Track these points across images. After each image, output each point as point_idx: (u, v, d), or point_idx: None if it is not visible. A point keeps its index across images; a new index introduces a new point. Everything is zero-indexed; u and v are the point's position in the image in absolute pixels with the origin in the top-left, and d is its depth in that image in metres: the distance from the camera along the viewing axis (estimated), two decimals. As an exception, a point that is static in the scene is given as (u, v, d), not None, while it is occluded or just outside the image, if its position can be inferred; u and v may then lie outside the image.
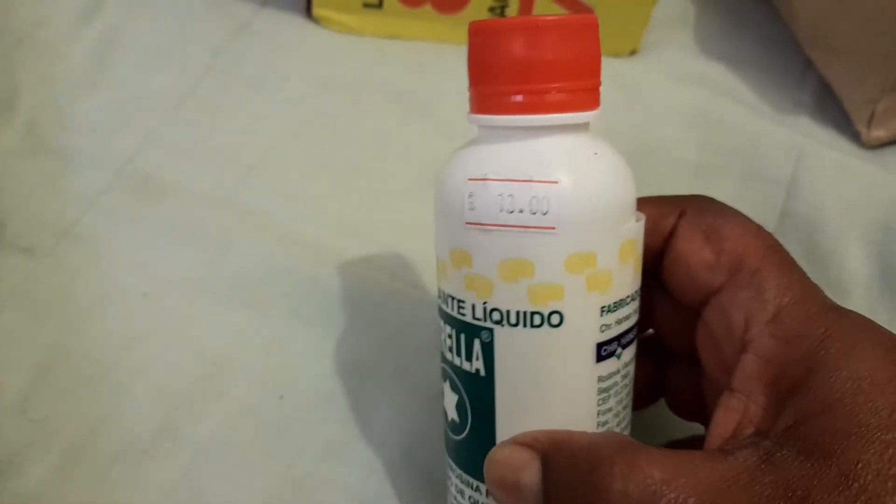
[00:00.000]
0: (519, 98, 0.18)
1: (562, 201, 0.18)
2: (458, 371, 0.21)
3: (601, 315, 0.19)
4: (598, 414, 0.20)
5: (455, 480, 0.22)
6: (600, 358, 0.19)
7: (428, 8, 0.36)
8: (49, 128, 0.33)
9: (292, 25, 0.37)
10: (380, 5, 0.36)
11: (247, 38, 0.36)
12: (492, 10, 0.36)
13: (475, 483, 0.21)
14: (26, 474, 0.25)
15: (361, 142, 0.34)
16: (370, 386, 0.28)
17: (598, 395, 0.20)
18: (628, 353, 0.21)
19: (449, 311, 0.21)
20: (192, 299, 0.29)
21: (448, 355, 0.21)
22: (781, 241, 0.28)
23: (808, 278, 0.19)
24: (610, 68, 0.38)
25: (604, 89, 0.40)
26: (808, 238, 0.32)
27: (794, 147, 0.34)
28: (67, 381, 0.27)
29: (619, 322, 0.20)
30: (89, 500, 0.25)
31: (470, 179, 0.19)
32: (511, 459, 0.19)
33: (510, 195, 0.18)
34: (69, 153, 0.33)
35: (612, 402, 0.20)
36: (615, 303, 0.19)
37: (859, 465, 0.16)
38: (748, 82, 0.37)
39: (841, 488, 0.16)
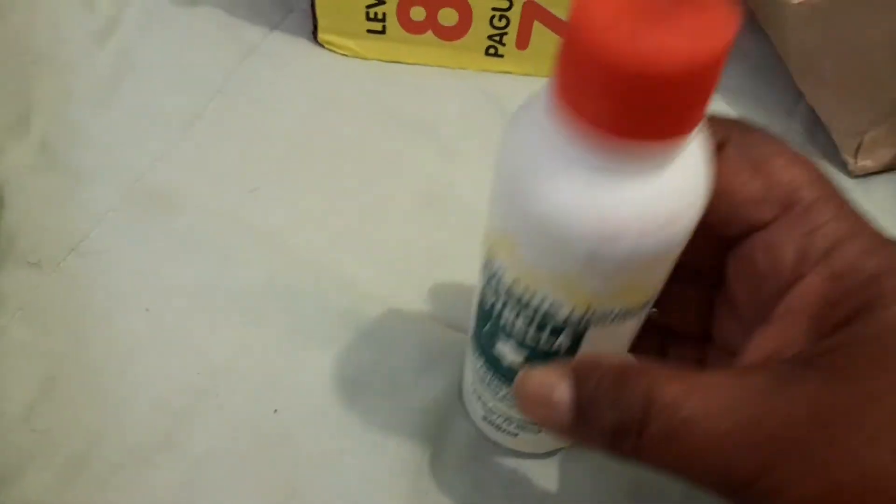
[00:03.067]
0: None
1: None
2: (534, 342, 0.21)
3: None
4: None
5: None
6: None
7: (430, 35, 0.37)
8: (62, 144, 0.35)
9: (299, 49, 0.38)
10: (383, 31, 0.37)
11: (255, 61, 0.38)
12: (490, 38, 0.37)
13: None
14: (29, 482, 0.26)
15: (363, 162, 0.35)
16: (363, 399, 0.29)
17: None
18: None
19: (532, 308, 0.20)
20: (195, 313, 0.30)
21: (517, 325, 0.21)
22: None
23: (859, 212, 0.19)
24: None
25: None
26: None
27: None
28: (72, 393, 0.28)
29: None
30: (90, 507, 0.26)
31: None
32: (544, 377, 0.19)
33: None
34: (81, 170, 0.34)
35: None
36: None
37: (890, 392, 0.15)
38: (740, 111, 0.38)
39: (867, 409, 0.15)
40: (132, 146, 0.35)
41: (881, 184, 0.35)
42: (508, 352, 0.22)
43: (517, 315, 0.20)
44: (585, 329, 0.20)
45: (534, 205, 0.17)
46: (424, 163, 0.35)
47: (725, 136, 0.19)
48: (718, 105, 0.38)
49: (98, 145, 0.35)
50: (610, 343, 0.21)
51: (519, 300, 0.20)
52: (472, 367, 0.25)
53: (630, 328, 0.21)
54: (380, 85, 0.38)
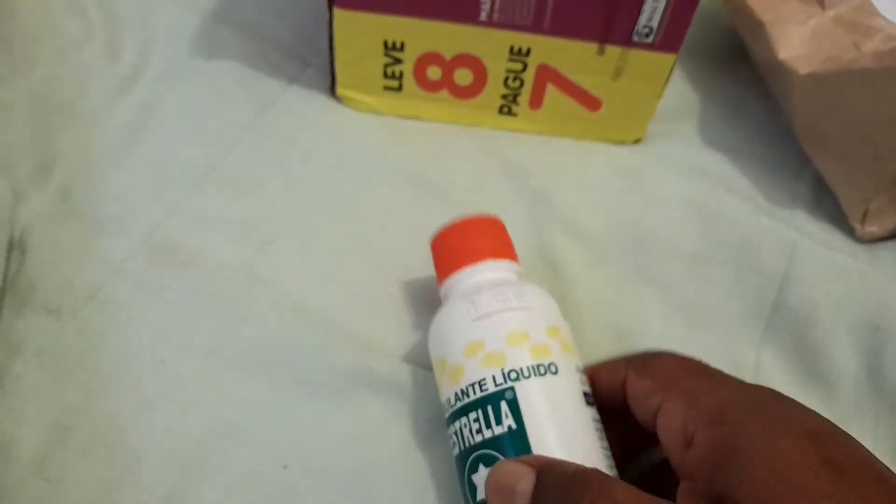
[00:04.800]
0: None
1: (532, 291, 0.28)
2: (493, 442, 0.25)
3: (576, 371, 0.27)
4: (602, 449, 0.25)
5: None
6: (588, 403, 0.26)
7: (445, 93, 0.38)
8: (82, 194, 0.36)
9: (316, 104, 0.39)
10: (399, 88, 0.38)
11: (273, 115, 0.39)
12: (504, 97, 0.38)
13: None
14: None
15: (375, 218, 0.36)
16: (373, 459, 0.29)
17: (596, 432, 0.26)
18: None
19: (471, 398, 0.26)
20: (207, 367, 0.31)
21: (477, 438, 0.25)
22: (773, 333, 0.33)
23: (724, 378, 0.25)
24: (614, 156, 0.40)
25: (606, 176, 0.42)
26: (798, 332, 0.33)
27: (787, 242, 0.35)
28: (85, 443, 0.29)
29: (583, 382, 0.27)
30: (98, 562, 0.27)
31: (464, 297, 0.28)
32: (514, 470, 0.23)
33: (501, 293, 0.27)
34: (100, 219, 0.35)
35: (605, 442, 0.26)
36: (578, 365, 0.27)
37: None
38: (747, 174, 0.38)
39: None
40: (150, 197, 0.35)
41: (888, 249, 0.36)
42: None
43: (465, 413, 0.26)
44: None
45: None
46: (434, 220, 0.36)
47: (629, 363, 0.26)
48: (728, 168, 0.38)
49: (117, 195, 0.36)
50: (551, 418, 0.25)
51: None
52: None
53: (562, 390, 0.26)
54: (394, 141, 0.38)
